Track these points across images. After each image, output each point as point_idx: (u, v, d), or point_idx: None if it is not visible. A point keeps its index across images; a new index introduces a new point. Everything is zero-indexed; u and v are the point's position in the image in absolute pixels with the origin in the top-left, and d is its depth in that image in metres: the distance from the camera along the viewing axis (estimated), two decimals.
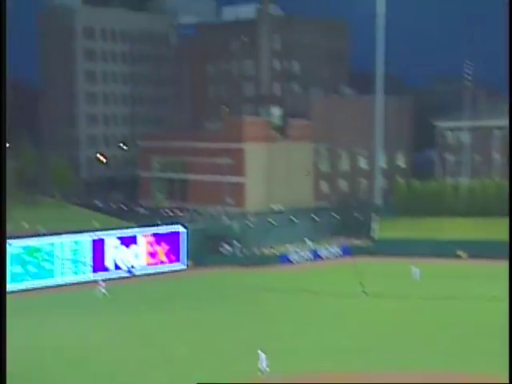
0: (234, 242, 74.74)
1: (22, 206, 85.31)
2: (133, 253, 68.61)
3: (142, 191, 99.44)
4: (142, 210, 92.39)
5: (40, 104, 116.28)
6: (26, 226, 70.87)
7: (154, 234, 70.40)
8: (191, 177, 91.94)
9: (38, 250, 62.41)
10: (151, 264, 69.70)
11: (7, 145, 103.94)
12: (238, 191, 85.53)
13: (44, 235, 64.34)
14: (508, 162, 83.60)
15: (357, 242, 77.65)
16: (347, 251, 76.13)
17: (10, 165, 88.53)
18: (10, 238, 60.03)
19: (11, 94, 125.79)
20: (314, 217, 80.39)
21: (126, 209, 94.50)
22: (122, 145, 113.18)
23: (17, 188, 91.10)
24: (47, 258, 62.73)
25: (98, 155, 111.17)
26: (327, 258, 75.80)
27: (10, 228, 68.06)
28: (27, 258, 61.72)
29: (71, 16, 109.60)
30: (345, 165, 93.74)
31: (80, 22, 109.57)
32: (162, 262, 70.26)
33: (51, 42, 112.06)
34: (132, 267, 68.25)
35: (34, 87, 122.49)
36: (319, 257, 75.99)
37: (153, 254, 69.94)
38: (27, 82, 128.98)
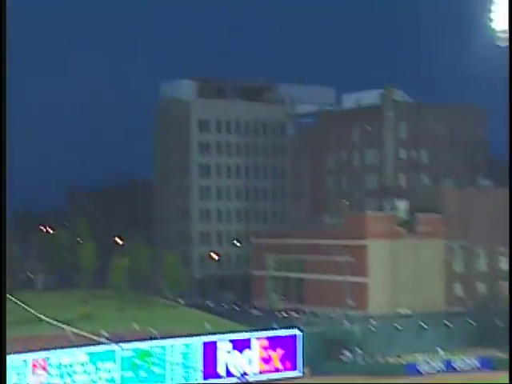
0: (356, 348, 74.27)
1: (133, 307, 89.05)
2: (246, 358, 69.57)
3: (255, 291, 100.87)
4: (255, 312, 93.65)
5: (154, 199, 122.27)
6: (137, 328, 73.91)
7: (269, 338, 71.23)
8: (308, 276, 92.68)
9: (148, 353, 64.65)
10: (265, 371, 70.28)
11: (121, 242, 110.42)
12: (359, 292, 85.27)
13: (155, 338, 66.75)
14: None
15: (498, 354, 74.93)
16: (487, 363, 73.67)
17: (124, 263, 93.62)
18: (122, 341, 62.85)
19: (127, 191, 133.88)
20: (447, 323, 78.73)
21: (238, 310, 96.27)
22: (235, 242, 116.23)
23: (129, 287, 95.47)
24: (158, 362, 64.79)
25: (211, 253, 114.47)
26: (462, 371, 73.54)
27: (121, 329, 71.70)
28: (138, 362, 64.02)
29: (186, 109, 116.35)
30: (482, 265, 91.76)
31: (195, 114, 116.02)
32: (276, 369, 70.72)
33: (165, 135, 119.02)
34: (245, 374, 69.09)
35: (147, 182, 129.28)
36: (453, 369, 73.90)
37: (267, 360, 70.61)
38: (142, 177, 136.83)
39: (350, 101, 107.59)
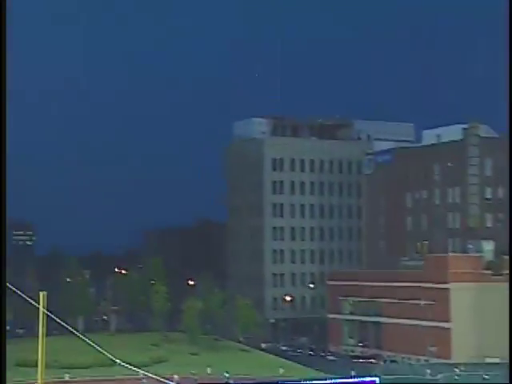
0: None
1: (205, 351, 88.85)
2: None
3: (331, 335, 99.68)
4: (331, 357, 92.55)
5: (226, 240, 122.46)
6: (210, 372, 73.54)
7: None
8: (387, 320, 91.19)
9: None
10: None
11: (191, 283, 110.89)
12: (442, 338, 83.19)
13: (228, 383, 66.24)
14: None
15: None
16: None
17: (196, 306, 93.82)
18: None
19: (198, 232, 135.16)
20: None
21: (313, 355, 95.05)
22: (309, 284, 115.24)
23: (202, 330, 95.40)
24: None
25: (284, 295, 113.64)
26: None
27: (194, 373, 71.44)
28: None
29: (260, 147, 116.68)
30: None
31: (268, 153, 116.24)
32: None
33: (238, 174, 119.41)
34: None
35: (220, 222, 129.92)
36: None
37: None
38: (214, 217, 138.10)
39: (430, 137, 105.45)
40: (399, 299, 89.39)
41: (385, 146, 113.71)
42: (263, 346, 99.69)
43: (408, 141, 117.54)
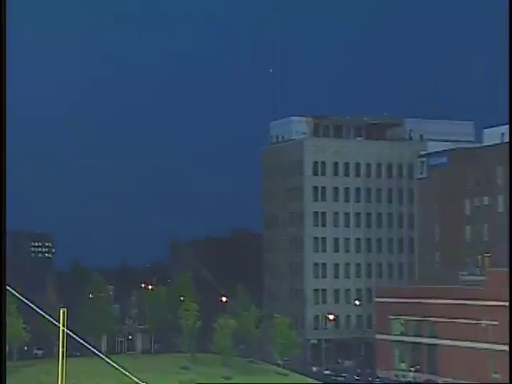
0: None
1: (239, 374, 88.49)
2: None
3: (379, 358, 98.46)
4: (379, 382, 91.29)
5: (262, 252, 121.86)
6: None
7: None
8: (443, 343, 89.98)
9: None
10: None
11: (224, 299, 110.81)
12: (506, 363, 79.75)
13: None
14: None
15: None
16: None
17: (230, 325, 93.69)
18: None
19: (232, 242, 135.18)
20: None
21: (359, 380, 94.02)
22: (354, 301, 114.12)
23: (236, 351, 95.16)
24: None
25: (327, 313, 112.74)
26: None
27: None
28: None
29: (299, 150, 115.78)
30: None
31: (309, 155, 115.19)
32: None
33: (276, 179, 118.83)
34: None
35: (255, 232, 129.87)
36: None
37: None
38: (249, 227, 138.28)
39: (492, 136, 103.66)
40: (457, 319, 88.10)
41: (440, 146, 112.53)
42: (303, 369, 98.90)
43: (466, 141, 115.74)
